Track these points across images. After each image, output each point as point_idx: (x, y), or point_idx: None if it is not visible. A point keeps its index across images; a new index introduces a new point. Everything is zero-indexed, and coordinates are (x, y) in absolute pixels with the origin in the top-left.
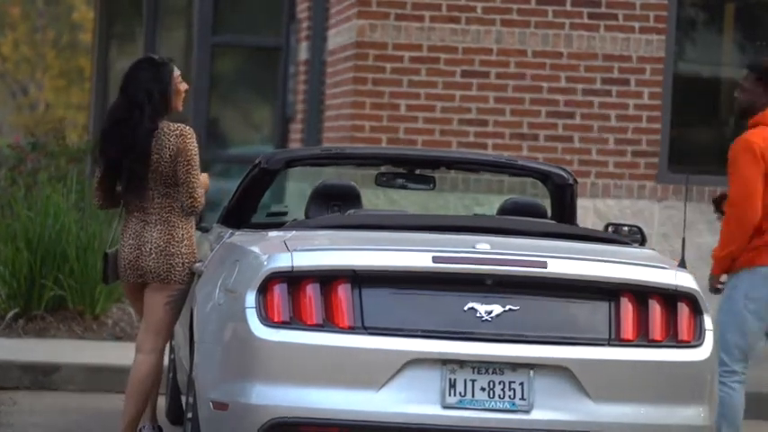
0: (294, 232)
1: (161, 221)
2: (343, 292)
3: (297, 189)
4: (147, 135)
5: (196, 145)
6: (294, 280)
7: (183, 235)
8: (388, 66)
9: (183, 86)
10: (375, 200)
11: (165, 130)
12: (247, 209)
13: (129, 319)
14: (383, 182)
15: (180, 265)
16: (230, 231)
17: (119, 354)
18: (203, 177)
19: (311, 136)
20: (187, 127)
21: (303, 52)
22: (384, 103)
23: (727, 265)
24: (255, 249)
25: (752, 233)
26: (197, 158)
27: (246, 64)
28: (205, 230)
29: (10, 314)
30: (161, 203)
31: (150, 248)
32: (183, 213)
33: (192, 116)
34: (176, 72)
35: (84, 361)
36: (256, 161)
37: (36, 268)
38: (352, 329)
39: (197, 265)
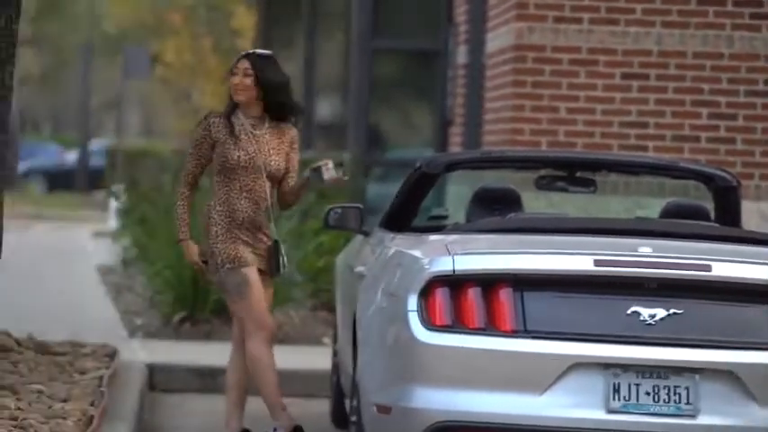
0: (455, 236)
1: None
2: (504, 295)
3: (457, 193)
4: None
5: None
6: (456, 283)
7: (216, 231)
8: (547, 68)
9: (232, 80)
10: (535, 203)
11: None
12: (408, 212)
13: (291, 323)
14: (543, 185)
15: (213, 259)
16: (392, 235)
17: (281, 357)
18: (193, 248)
19: (471, 139)
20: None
21: (462, 56)
22: (544, 105)
23: None
24: (417, 253)
25: None
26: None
27: (405, 68)
28: (366, 234)
29: (177, 317)
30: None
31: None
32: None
33: (353, 120)
34: (240, 64)
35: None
36: (417, 165)
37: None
38: (514, 333)
39: (359, 268)
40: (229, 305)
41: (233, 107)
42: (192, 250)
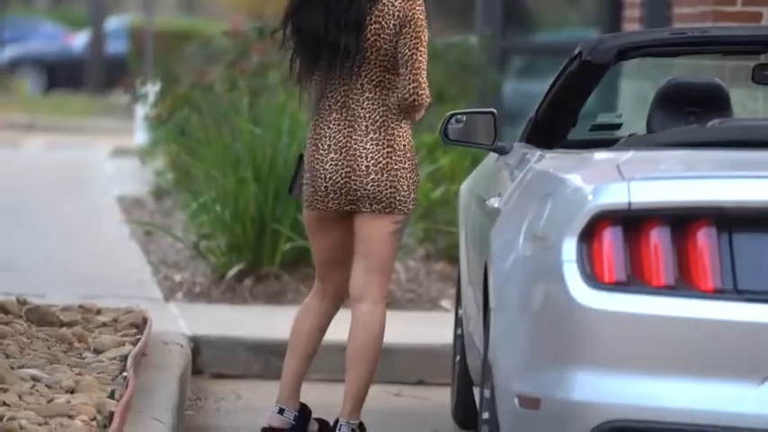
0: (632, 153)
1: (375, 126)
2: (704, 239)
3: (634, 91)
4: None
5: (425, 15)
6: (632, 222)
7: (405, 145)
8: None
9: None
10: (752, 104)
11: None
12: (563, 120)
13: (396, 279)
14: (764, 77)
15: (405, 187)
16: (539, 153)
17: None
18: None
19: (655, 12)
20: None
21: None
22: None
23: None
24: (575, 178)
25: None
26: (426, 33)
27: None
28: (503, 152)
29: (233, 271)
30: (373, 99)
31: (367, 166)
32: (400, 109)
33: None
34: None
35: (337, 338)
36: (576, 52)
37: (267, 208)
38: (719, 293)
39: (492, 200)
40: (392, 248)
41: None
42: None
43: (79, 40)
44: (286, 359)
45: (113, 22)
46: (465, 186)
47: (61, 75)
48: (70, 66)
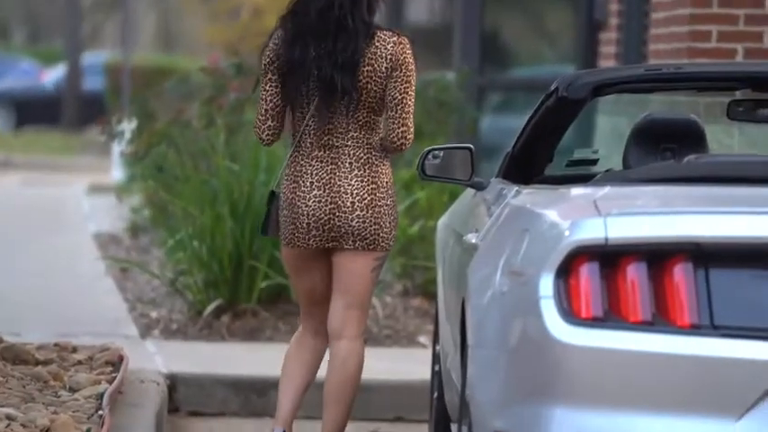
0: (608, 189)
1: (360, 164)
2: (681, 274)
3: (610, 127)
4: (361, 37)
5: (414, 59)
6: (609, 258)
7: (387, 182)
8: None
9: None
10: (727, 140)
11: (379, 34)
12: (540, 156)
13: (374, 315)
14: (739, 114)
15: (388, 224)
16: (516, 188)
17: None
18: None
19: (631, 49)
20: (403, 35)
21: None
22: None
23: None
24: (552, 214)
25: None
26: (415, 77)
27: None
28: (480, 187)
29: (210, 308)
30: (358, 138)
31: (352, 202)
32: (384, 150)
33: (461, 23)
34: None
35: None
36: (552, 88)
37: (244, 244)
38: (695, 329)
39: (469, 236)
40: (371, 285)
41: None
42: None
43: (51, 76)
44: (281, 390)
45: (89, 58)
46: (442, 222)
47: (31, 111)
48: (41, 102)
